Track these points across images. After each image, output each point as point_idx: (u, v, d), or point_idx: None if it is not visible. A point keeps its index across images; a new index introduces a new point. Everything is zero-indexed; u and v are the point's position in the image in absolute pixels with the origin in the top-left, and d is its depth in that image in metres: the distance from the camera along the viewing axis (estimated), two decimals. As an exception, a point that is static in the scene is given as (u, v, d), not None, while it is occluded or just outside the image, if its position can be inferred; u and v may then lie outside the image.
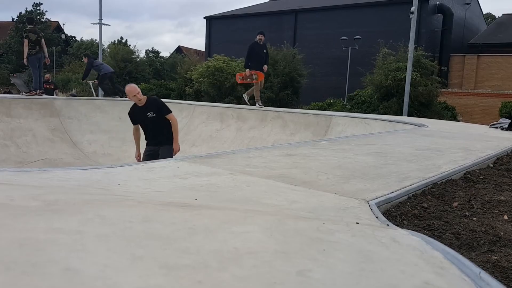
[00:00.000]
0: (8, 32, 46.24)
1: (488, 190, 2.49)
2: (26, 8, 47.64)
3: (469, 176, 2.82)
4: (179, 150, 5.08)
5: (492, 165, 3.38)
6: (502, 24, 28.71)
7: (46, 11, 50.65)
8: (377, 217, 1.65)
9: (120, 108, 10.24)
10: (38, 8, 47.31)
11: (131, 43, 51.75)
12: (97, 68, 11.13)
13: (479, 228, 1.80)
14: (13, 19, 46.44)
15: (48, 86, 16.29)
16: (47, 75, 18.13)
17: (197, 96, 24.43)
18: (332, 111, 15.79)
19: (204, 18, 36.53)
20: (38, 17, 47.21)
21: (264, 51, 9.89)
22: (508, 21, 28.78)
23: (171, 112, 5.01)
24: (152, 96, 5.18)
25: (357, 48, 26.45)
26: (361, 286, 0.90)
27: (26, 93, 10.12)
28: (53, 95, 15.10)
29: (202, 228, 1.19)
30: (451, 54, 25.49)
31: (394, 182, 2.32)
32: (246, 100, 10.41)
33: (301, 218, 1.52)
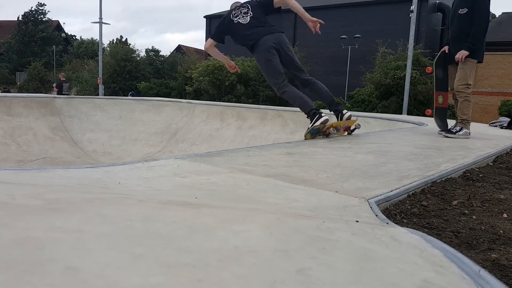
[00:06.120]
0: (11, 31, 46.33)
1: (487, 189, 2.50)
2: (31, 7, 47.77)
3: (469, 174, 2.82)
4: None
5: (491, 164, 3.38)
6: (502, 23, 28.69)
7: (49, 11, 50.97)
8: (376, 216, 1.65)
9: (120, 107, 10.26)
10: (41, 8, 47.44)
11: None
12: None
13: (479, 226, 1.81)
14: (18, 18, 46.49)
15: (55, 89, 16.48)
16: (62, 74, 18.32)
17: (197, 94, 24.45)
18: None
19: (204, 17, 36.53)
20: (41, 16, 47.36)
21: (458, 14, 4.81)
22: (508, 20, 28.76)
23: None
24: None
25: (356, 46, 26.44)
26: (361, 284, 0.91)
27: None
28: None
29: (202, 227, 1.19)
30: (451, 53, 25.42)
31: (393, 180, 2.32)
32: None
33: (301, 216, 1.52)
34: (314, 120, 4.26)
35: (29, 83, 36.99)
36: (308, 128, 4.31)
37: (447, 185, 2.48)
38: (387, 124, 7.02)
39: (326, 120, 4.25)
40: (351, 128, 4.69)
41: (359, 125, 4.76)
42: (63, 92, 16.13)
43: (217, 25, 4.61)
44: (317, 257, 1.03)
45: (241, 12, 4.47)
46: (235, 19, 4.45)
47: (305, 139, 4.31)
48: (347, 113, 4.55)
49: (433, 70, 5.26)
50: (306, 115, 4.43)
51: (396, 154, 3.29)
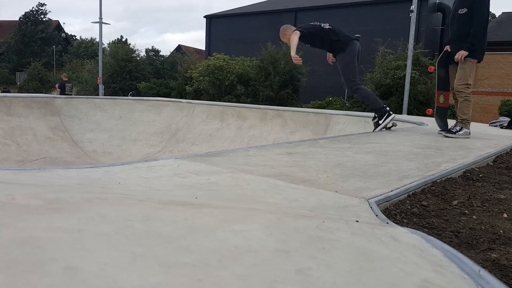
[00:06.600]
0: (13, 31, 46.35)
1: (487, 189, 2.50)
2: (33, 7, 47.83)
3: (469, 174, 2.82)
4: (294, 58, 5.18)
5: (491, 164, 3.38)
6: (502, 23, 28.68)
7: (49, 11, 51.13)
8: (376, 216, 1.65)
9: (120, 107, 10.25)
10: (42, 8, 47.54)
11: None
12: None
13: (479, 226, 1.81)
14: (20, 18, 46.52)
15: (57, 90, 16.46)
16: (64, 75, 18.28)
17: (197, 94, 24.45)
18: (331, 109, 15.78)
19: (204, 17, 36.54)
20: (41, 17, 47.46)
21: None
22: (508, 20, 28.75)
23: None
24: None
25: (356, 46, 26.39)
26: (361, 284, 0.91)
27: None
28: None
29: (202, 227, 1.19)
30: (451, 53, 25.40)
31: (393, 180, 2.32)
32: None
33: (301, 216, 1.52)
34: (385, 117, 5.32)
35: (29, 83, 36.95)
36: (380, 123, 5.34)
37: (447, 185, 2.48)
38: (387, 124, 7.00)
39: (394, 117, 5.37)
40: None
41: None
42: (65, 93, 16.11)
43: (305, 26, 5.25)
44: (317, 257, 1.03)
45: (321, 23, 5.32)
46: (322, 25, 5.26)
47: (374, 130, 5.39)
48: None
49: (435, 69, 5.28)
50: (375, 111, 5.41)
51: (396, 154, 3.29)
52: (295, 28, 5.28)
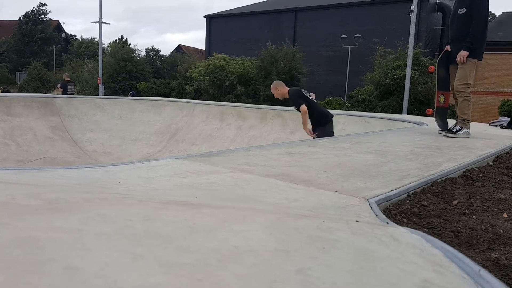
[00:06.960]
0: (13, 31, 46.38)
1: (487, 188, 2.50)
2: (33, 7, 47.92)
3: (469, 174, 2.82)
4: (309, 133, 5.57)
5: (491, 163, 3.39)
6: (502, 23, 28.68)
7: (49, 11, 51.28)
8: (376, 215, 1.65)
9: (120, 107, 10.26)
10: (42, 8, 47.62)
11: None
12: None
13: (479, 226, 1.81)
14: (20, 18, 46.55)
15: (59, 90, 16.49)
16: (66, 74, 18.30)
17: (197, 94, 24.44)
18: (331, 109, 15.76)
19: (204, 16, 36.54)
20: (42, 17, 47.53)
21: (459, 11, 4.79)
22: (508, 20, 28.74)
23: (299, 106, 5.40)
24: (292, 89, 5.76)
25: (357, 46, 26.44)
26: (361, 284, 0.91)
27: None
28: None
29: (202, 227, 1.19)
30: (451, 53, 25.38)
31: (393, 180, 2.32)
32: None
33: (301, 216, 1.52)
34: None
35: (29, 83, 36.93)
36: None
37: (447, 185, 2.48)
38: (387, 123, 7.02)
39: None
40: None
41: None
42: (68, 92, 16.14)
43: (299, 96, 5.52)
44: (317, 257, 1.03)
45: (307, 92, 5.70)
46: (310, 97, 5.59)
47: None
48: None
49: (435, 69, 5.26)
50: None
51: (396, 153, 3.29)
52: (287, 88, 5.64)
